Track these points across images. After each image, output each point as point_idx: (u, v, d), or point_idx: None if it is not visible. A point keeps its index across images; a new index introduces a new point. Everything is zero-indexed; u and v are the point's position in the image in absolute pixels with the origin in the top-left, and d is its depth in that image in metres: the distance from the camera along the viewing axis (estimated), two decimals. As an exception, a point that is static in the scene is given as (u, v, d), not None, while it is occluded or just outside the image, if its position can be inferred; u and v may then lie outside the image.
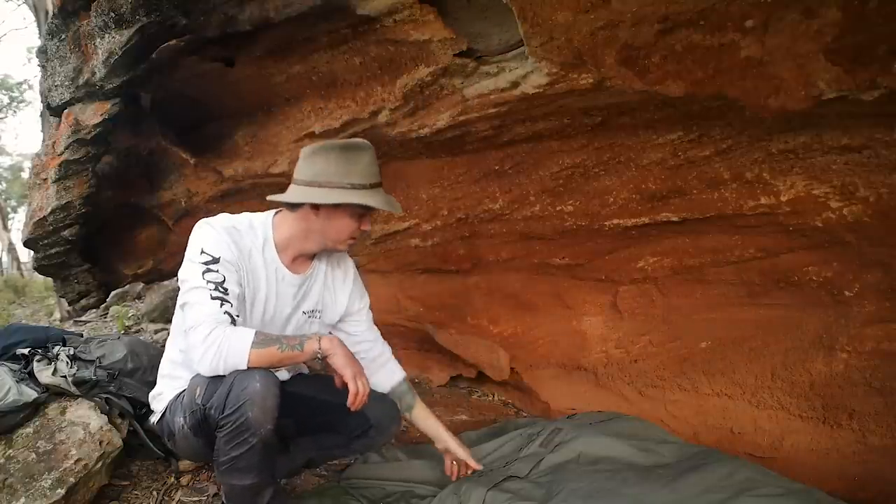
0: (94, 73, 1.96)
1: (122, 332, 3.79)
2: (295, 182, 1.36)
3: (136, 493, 1.66)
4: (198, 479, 1.74)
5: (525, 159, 1.86)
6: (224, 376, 1.21)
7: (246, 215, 1.44)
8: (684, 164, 1.62)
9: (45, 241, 2.69)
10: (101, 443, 1.61)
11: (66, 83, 2.10)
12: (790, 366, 1.80)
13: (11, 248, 17.95)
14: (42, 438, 1.57)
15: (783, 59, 1.12)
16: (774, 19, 1.08)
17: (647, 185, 1.72)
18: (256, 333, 1.23)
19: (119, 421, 1.76)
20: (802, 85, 1.13)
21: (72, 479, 1.49)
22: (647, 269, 1.98)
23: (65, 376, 1.71)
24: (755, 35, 1.11)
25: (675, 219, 1.74)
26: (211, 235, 1.31)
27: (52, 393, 1.71)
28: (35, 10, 8.37)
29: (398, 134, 1.80)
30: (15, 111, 19.91)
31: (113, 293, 4.07)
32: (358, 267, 1.66)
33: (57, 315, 6.22)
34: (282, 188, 1.43)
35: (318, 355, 1.28)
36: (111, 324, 4.28)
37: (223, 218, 1.38)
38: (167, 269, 3.33)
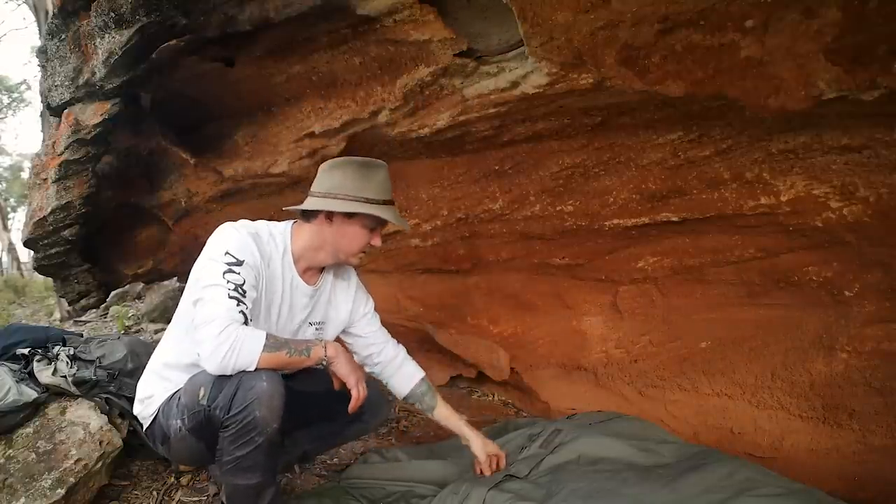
0: (94, 73, 1.96)
1: (122, 332, 3.79)
2: (312, 194, 1.41)
3: (136, 493, 1.66)
4: (198, 479, 1.74)
5: (525, 159, 1.86)
6: (229, 377, 1.22)
7: (265, 223, 1.45)
8: (684, 164, 1.62)
9: (45, 241, 2.69)
10: (101, 443, 1.61)
11: (66, 83, 2.10)
12: (790, 366, 1.80)
13: (11, 248, 17.95)
14: (42, 438, 1.57)
15: (783, 59, 1.12)
16: (774, 19, 1.08)
17: (647, 185, 1.72)
18: (268, 336, 1.25)
19: (119, 421, 1.76)
20: (802, 85, 1.13)
21: (72, 479, 1.49)
22: (647, 269, 1.99)
23: (65, 376, 1.72)
24: (755, 35, 1.11)
25: (675, 219, 1.74)
26: (236, 238, 1.32)
27: (52, 393, 1.71)
28: (35, 10, 8.37)
29: (398, 134, 1.80)
30: (15, 111, 19.92)
31: (113, 293, 4.07)
32: (358, 267, 1.66)
33: (57, 315, 6.22)
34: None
35: (324, 361, 1.32)
36: (111, 324, 4.29)
37: (246, 223, 1.39)
38: (167, 269, 3.33)
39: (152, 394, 1.42)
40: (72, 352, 1.82)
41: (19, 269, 16.80)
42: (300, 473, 1.83)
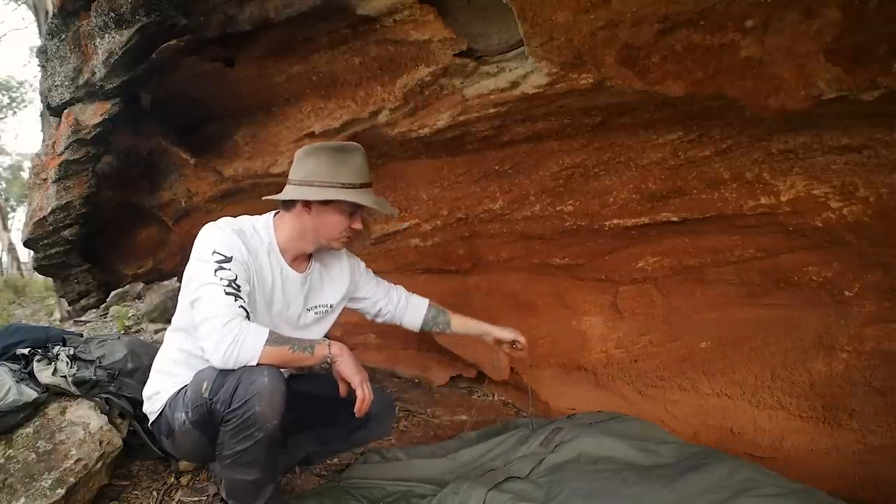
0: (94, 73, 1.96)
1: (122, 332, 3.79)
2: (289, 182, 1.42)
3: (136, 493, 1.66)
4: (198, 479, 1.74)
5: (525, 159, 1.86)
6: (232, 372, 1.22)
7: (247, 218, 1.45)
8: (684, 164, 1.62)
9: (45, 241, 2.69)
10: (101, 443, 1.61)
11: (66, 83, 2.10)
12: (790, 366, 1.80)
13: (11, 248, 17.96)
14: (42, 438, 1.57)
15: (783, 59, 1.12)
16: (774, 19, 1.08)
17: (647, 185, 1.72)
18: (270, 332, 1.26)
19: (119, 421, 1.76)
20: (802, 85, 1.13)
21: (72, 479, 1.48)
22: (647, 269, 1.98)
23: (65, 376, 1.71)
24: (755, 35, 1.11)
25: (675, 219, 1.74)
26: (220, 237, 1.33)
27: (52, 393, 1.71)
28: (35, 10, 8.38)
29: (398, 134, 1.80)
30: (15, 111, 19.92)
31: (113, 293, 4.07)
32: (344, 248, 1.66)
33: (57, 315, 6.23)
34: (282, 188, 1.44)
35: (328, 360, 1.31)
36: (111, 324, 4.29)
37: (229, 220, 1.40)
38: (167, 269, 3.33)
39: (159, 390, 1.43)
40: (72, 352, 1.82)
41: (19, 269, 16.80)
42: (300, 473, 1.83)
